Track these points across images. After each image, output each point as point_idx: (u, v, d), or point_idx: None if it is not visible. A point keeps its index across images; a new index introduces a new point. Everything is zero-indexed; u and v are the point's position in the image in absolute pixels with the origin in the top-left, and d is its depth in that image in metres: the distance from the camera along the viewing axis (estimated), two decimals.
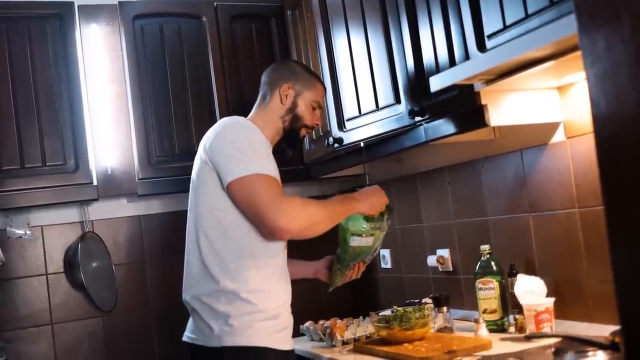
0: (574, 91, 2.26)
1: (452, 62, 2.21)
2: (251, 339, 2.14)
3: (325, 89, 2.55)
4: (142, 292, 3.40)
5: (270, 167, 2.17)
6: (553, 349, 1.91)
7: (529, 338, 2.01)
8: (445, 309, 2.57)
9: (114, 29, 3.22)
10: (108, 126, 3.17)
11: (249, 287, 2.16)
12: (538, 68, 1.90)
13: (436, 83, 2.13)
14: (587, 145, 2.23)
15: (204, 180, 2.24)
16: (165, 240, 3.45)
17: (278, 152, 2.45)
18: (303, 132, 2.47)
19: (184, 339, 2.31)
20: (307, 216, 2.14)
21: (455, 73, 2.05)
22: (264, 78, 2.50)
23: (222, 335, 2.15)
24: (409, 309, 2.45)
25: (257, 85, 3.37)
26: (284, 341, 2.21)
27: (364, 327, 2.64)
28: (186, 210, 2.35)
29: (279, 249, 2.26)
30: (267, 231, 2.13)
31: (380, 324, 2.38)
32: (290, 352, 2.24)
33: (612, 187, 0.99)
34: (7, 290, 3.19)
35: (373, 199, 2.36)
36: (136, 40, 3.23)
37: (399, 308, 2.49)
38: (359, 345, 2.47)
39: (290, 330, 2.27)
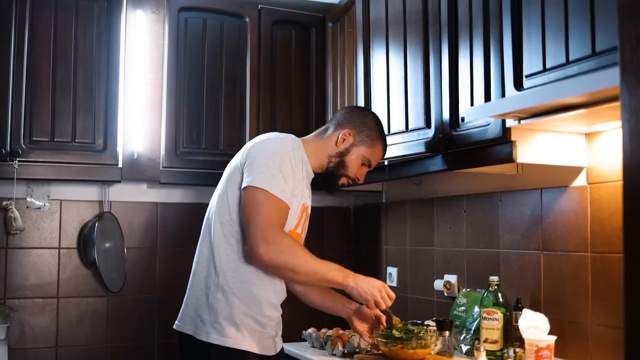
0: (601, 139, 2.31)
1: (487, 96, 2.26)
2: (238, 342, 2.23)
3: (384, 153, 2.52)
4: (149, 278, 3.46)
5: (285, 190, 2.21)
6: None
7: None
8: (447, 333, 2.61)
9: (158, 18, 3.29)
10: (140, 112, 3.23)
11: (246, 292, 2.25)
12: (571, 113, 1.95)
13: (472, 114, 2.18)
14: (607, 193, 2.28)
15: (232, 178, 2.32)
16: (179, 230, 3.50)
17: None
18: (343, 180, 2.48)
19: (175, 327, 2.39)
20: (286, 259, 2.18)
21: (491, 107, 2.10)
22: (338, 113, 2.55)
23: (210, 332, 2.24)
24: (413, 328, 2.48)
25: (290, 92, 3.48)
26: (269, 347, 2.31)
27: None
28: (203, 204, 2.42)
29: None
30: (247, 246, 2.20)
31: (383, 339, 2.42)
32: (272, 357, 2.32)
33: (635, 237, 1.03)
34: (19, 258, 3.25)
35: (369, 287, 2.27)
36: (179, 32, 3.30)
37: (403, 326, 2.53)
38: (358, 357, 2.51)
39: (277, 338, 2.36)
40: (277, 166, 2.22)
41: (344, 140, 2.43)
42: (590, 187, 2.36)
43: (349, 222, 3.93)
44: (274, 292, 2.32)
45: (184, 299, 2.42)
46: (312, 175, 2.45)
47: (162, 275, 3.48)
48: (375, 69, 2.95)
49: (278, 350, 2.36)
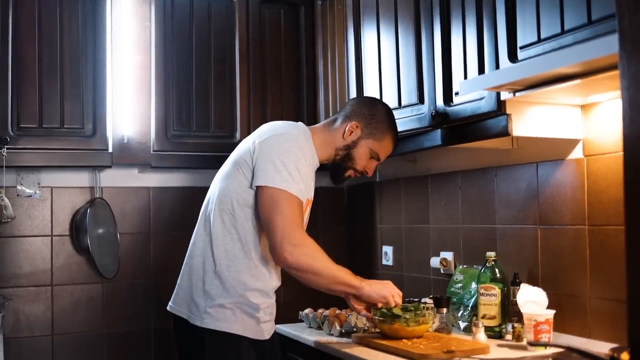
0: (597, 111, 2.29)
1: (481, 69, 2.24)
2: (232, 326, 2.25)
3: (395, 146, 2.49)
4: (144, 264, 3.42)
5: (301, 189, 2.22)
6: (551, 359, 1.95)
7: (531, 345, 2.04)
8: (444, 310, 2.59)
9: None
10: (129, 95, 3.19)
11: (241, 280, 2.27)
12: (567, 84, 1.92)
13: (465, 87, 2.15)
14: (604, 165, 2.26)
15: (238, 167, 2.31)
16: (173, 214, 3.47)
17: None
18: (349, 172, 2.47)
19: (169, 309, 2.42)
20: (311, 262, 2.21)
21: (485, 80, 2.07)
22: (347, 104, 2.52)
23: (204, 317, 2.26)
24: (411, 305, 2.47)
25: (279, 72, 3.44)
26: (262, 332, 2.32)
27: (363, 319, 2.66)
28: (195, 187, 2.41)
29: None
30: (269, 248, 2.22)
31: (381, 318, 2.40)
32: (266, 341, 2.33)
33: (637, 208, 1.01)
34: (12, 247, 3.21)
35: (381, 287, 2.35)
36: (165, 13, 3.25)
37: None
38: (356, 336, 2.50)
39: (271, 323, 2.36)
40: (294, 165, 2.22)
41: (352, 132, 2.41)
42: (586, 159, 2.33)
43: (342, 203, 3.90)
44: (269, 281, 2.34)
45: (178, 282, 2.42)
46: (318, 166, 2.43)
47: (156, 260, 3.45)
48: (366, 46, 2.91)
49: (271, 334, 2.37)
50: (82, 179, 3.33)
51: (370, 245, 3.62)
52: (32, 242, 3.25)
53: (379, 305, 2.36)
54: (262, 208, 2.22)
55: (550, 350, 2.13)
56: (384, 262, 3.48)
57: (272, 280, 2.34)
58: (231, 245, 2.28)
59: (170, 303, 2.43)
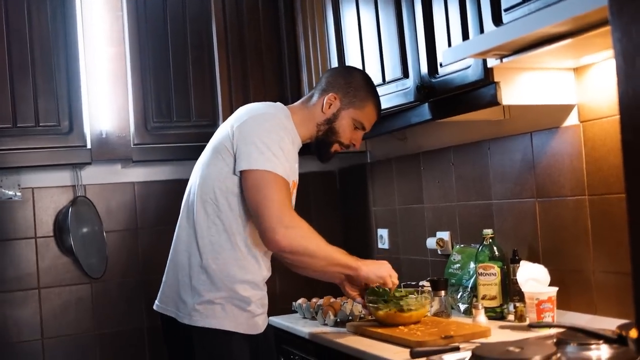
0: (591, 73, 2.17)
1: (465, 36, 2.12)
2: (222, 322, 2.15)
3: (379, 113, 2.37)
4: (132, 261, 3.32)
5: (287, 169, 2.11)
6: (555, 340, 1.83)
7: (532, 327, 1.93)
8: (442, 293, 2.48)
9: None
10: (105, 88, 3.07)
11: (229, 272, 2.16)
12: (556, 45, 1.80)
13: (449, 56, 2.03)
14: (601, 130, 2.14)
15: (218, 155, 2.19)
16: (159, 209, 3.36)
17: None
18: (335, 147, 2.35)
19: (156, 308, 2.31)
20: (305, 244, 2.10)
21: (468, 46, 1.95)
22: (322, 77, 2.40)
23: (193, 314, 2.15)
24: (405, 290, 2.37)
25: (260, 55, 3.31)
26: (254, 326, 2.22)
27: (358, 307, 2.55)
28: (181, 180, 2.30)
29: None
30: (260, 233, 2.11)
31: (375, 304, 2.29)
32: (259, 335, 2.23)
33: (637, 173, 0.91)
34: None
35: (378, 266, 2.27)
36: (138, 1, 3.13)
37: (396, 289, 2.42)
38: (351, 325, 2.39)
39: (263, 316, 2.27)
40: (277, 145, 2.10)
41: (330, 105, 2.29)
42: (582, 125, 2.21)
43: (335, 186, 3.79)
44: (259, 271, 2.22)
45: (164, 279, 2.31)
46: (300, 145, 2.32)
47: (145, 257, 3.34)
48: (346, 23, 2.79)
49: (264, 328, 2.26)
50: (63, 177, 3.22)
51: (365, 229, 3.52)
52: (16, 245, 3.15)
53: (374, 285, 2.26)
54: (249, 193, 2.10)
55: (554, 330, 2.02)
56: (380, 245, 3.38)
57: (262, 271, 2.23)
58: (217, 236, 2.16)
59: (156, 302, 2.32)
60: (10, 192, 3.12)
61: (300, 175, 3.63)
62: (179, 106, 3.16)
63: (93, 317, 3.24)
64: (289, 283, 3.09)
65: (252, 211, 2.11)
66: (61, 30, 2.97)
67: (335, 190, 3.79)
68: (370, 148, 3.45)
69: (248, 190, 2.10)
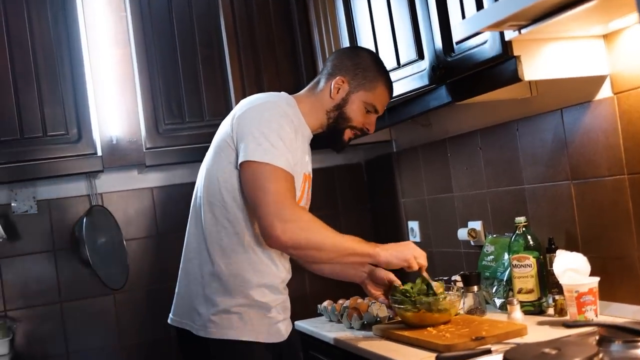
0: (622, 39, 1.96)
1: (480, 8, 1.92)
2: (241, 333, 1.99)
3: (390, 93, 2.19)
4: (156, 268, 3.22)
5: (289, 160, 1.95)
6: (597, 337, 1.65)
7: (567, 326, 1.74)
8: (475, 288, 2.30)
9: None
10: (112, 92, 2.98)
11: (244, 277, 2.01)
12: (579, 9, 1.60)
13: (461, 31, 1.86)
14: (637, 101, 1.93)
15: (221, 152, 2.04)
16: (179, 213, 3.19)
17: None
18: (348, 133, 2.17)
19: (170, 322, 2.16)
20: (308, 237, 1.92)
21: (481, 17, 1.76)
22: (327, 61, 2.23)
23: (209, 326, 2.00)
24: (429, 279, 2.19)
25: (273, 47, 3.16)
26: (276, 334, 2.06)
27: (385, 308, 2.39)
28: None
29: None
30: (261, 231, 1.95)
31: (401, 305, 2.13)
32: (282, 343, 2.08)
33: None
34: (14, 267, 3.05)
35: (399, 249, 2.06)
36: (142, 0, 3.00)
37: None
38: (377, 328, 2.23)
39: (286, 321, 2.11)
40: (275, 134, 1.94)
41: (339, 89, 2.12)
42: (617, 97, 2.00)
43: (362, 179, 3.63)
44: (277, 274, 2.06)
45: (176, 290, 2.18)
46: (311, 137, 2.16)
47: (168, 264, 3.20)
48: (357, 7, 2.62)
49: (286, 335, 2.10)
50: (79, 187, 3.14)
51: (395, 222, 3.35)
52: (35, 259, 3.08)
53: (403, 265, 2.06)
54: (246, 187, 1.95)
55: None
56: (411, 238, 3.20)
57: (280, 273, 2.07)
58: (227, 240, 2.01)
59: (170, 315, 2.18)
60: (25, 206, 3.04)
61: (325, 170, 3.54)
62: (191, 106, 3.04)
63: (117, 329, 3.15)
64: (319, 283, 2.94)
65: (250, 207, 1.97)
66: (64, 35, 2.87)
67: (362, 183, 3.63)
68: (395, 137, 3.28)
69: (245, 184, 1.95)
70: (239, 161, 1.95)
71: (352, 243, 2.00)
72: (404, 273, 2.14)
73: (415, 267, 2.08)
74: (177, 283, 2.17)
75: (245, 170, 1.94)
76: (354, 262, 2.11)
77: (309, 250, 1.95)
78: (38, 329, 3.05)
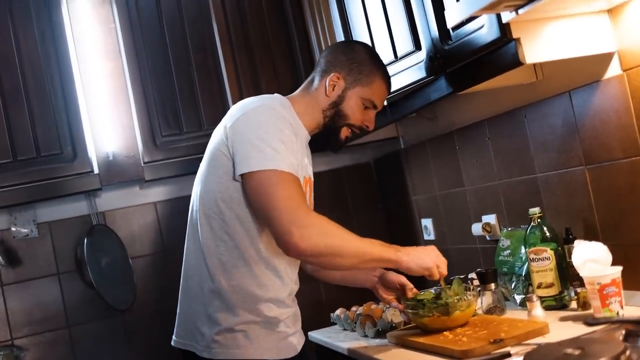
0: (628, 12, 1.83)
1: None
2: (248, 351, 1.88)
3: (389, 87, 2.08)
4: (164, 285, 3.12)
5: (293, 164, 1.84)
6: (623, 332, 1.53)
7: (589, 324, 1.63)
8: (493, 286, 2.19)
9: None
10: (106, 107, 2.90)
11: (247, 293, 1.90)
12: None
13: (454, 15, 1.74)
14: None
15: (215, 162, 1.93)
16: (185, 226, 3.12)
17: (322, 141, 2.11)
18: (345, 131, 2.06)
19: (174, 344, 2.05)
20: (329, 242, 1.79)
21: (475, 0, 1.64)
22: (320, 57, 2.11)
23: (213, 347, 1.89)
24: (446, 289, 2.07)
25: (268, 48, 3.06)
26: (287, 349, 1.95)
27: (399, 313, 2.28)
28: None
29: None
30: (276, 240, 1.82)
31: (415, 310, 2.02)
32: (294, 358, 1.97)
33: None
34: (18, 293, 2.97)
35: (421, 255, 1.93)
36: (129, 9, 2.94)
37: (434, 289, 2.14)
38: (392, 335, 2.12)
39: (298, 334, 2.01)
40: (276, 138, 1.82)
41: (334, 86, 2.01)
42: (626, 74, 1.88)
43: (371, 178, 3.52)
44: (281, 287, 1.95)
45: (178, 309, 2.07)
46: (309, 138, 2.05)
47: (177, 280, 3.08)
48: (350, 1, 2.52)
49: (300, 348, 1.99)
50: (79, 207, 3.06)
51: (408, 220, 3.24)
52: (39, 284, 3.00)
53: (424, 274, 1.94)
54: (253, 198, 1.82)
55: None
56: (426, 236, 3.09)
57: (286, 286, 1.96)
58: (227, 254, 1.90)
59: (173, 336, 2.08)
60: (26, 230, 2.97)
61: (333, 171, 3.43)
62: (188, 116, 2.95)
63: (129, 351, 3.06)
64: (334, 290, 2.84)
65: (261, 218, 1.85)
66: (52, 51, 2.80)
67: (372, 182, 3.52)
68: (402, 133, 3.17)
69: (252, 195, 1.83)
70: (241, 172, 1.83)
71: (372, 247, 1.87)
72: (418, 278, 2.03)
73: (437, 277, 1.96)
74: (179, 303, 2.08)
75: (250, 181, 1.82)
76: (374, 267, 1.99)
77: (330, 257, 1.82)
78: (47, 356, 2.97)
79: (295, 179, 1.83)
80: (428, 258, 1.94)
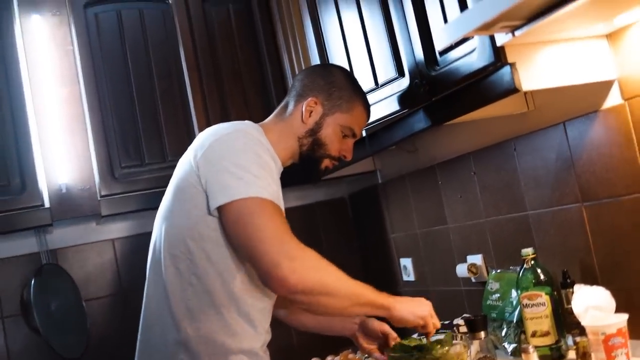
0: (629, 37, 1.70)
1: (463, 10, 1.66)
2: None
3: (368, 114, 1.96)
4: (121, 330, 2.87)
5: (276, 192, 1.67)
6: None
7: None
8: (482, 334, 2.00)
9: (61, 20, 2.72)
10: (60, 135, 2.66)
11: (217, 344, 1.70)
12: (579, 3, 1.33)
13: (443, 37, 1.57)
14: None
15: (182, 195, 1.73)
16: (146, 265, 2.92)
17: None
18: (325, 163, 1.90)
19: None
20: (322, 279, 1.61)
21: (467, 20, 1.47)
22: (295, 81, 1.96)
23: None
24: (436, 338, 1.88)
25: (239, 75, 2.88)
26: None
27: None
28: None
29: (264, 293, 1.76)
30: (261, 277, 1.61)
31: None
32: None
33: None
34: None
35: (415, 304, 1.79)
36: (89, 32, 2.74)
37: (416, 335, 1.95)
38: None
39: None
40: (255, 164, 1.65)
41: (311, 112, 1.86)
42: (628, 103, 1.74)
43: (347, 215, 3.34)
44: (255, 337, 1.76)
45: None
46: (282, 169, 1.86)
47: (136, 324, 2.87)
48: (327, 23, 2.35)
49: None
50: (29, 244, 2.81)
51: (385, 260, 3.05)
52: None
53: (419, 324, 1.79)
54: (235, 231, 1.63)
55: None
56: (405, 277, 2.91)
57: (259, 335, 1.77)
58: (195, 299, 1.69)
59: None
60: None
61: (305, 207, 3.25)
62: (150, 146, 2.74)
63: None
64: (296, 340, 2.64)
65: (243, 252, 1.65)
66: (2, 74, 2.58)
67: (347, 219, 3.34)
68: (379, 166, 3.00)
69: (232, 227, 1.63)
70: (217, 204, 1.64)
71: (365, 290, 1.70)
72: (398, 329, 1.85)
73: (431, 329, 1.80)
74: (136, 356, 1.85)
75: (229, 212, 1.63)
76: (365, 313, 1.80)
77: (320, 296, 1.62)
78: None
79: (279, 208, 1.65)
80: (422, 308, 1.79)
